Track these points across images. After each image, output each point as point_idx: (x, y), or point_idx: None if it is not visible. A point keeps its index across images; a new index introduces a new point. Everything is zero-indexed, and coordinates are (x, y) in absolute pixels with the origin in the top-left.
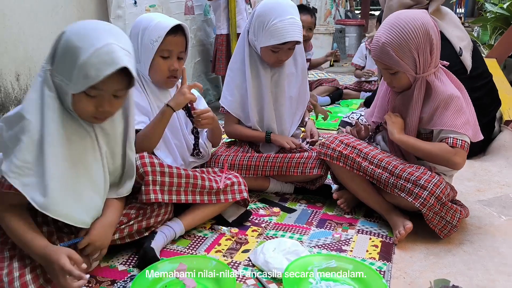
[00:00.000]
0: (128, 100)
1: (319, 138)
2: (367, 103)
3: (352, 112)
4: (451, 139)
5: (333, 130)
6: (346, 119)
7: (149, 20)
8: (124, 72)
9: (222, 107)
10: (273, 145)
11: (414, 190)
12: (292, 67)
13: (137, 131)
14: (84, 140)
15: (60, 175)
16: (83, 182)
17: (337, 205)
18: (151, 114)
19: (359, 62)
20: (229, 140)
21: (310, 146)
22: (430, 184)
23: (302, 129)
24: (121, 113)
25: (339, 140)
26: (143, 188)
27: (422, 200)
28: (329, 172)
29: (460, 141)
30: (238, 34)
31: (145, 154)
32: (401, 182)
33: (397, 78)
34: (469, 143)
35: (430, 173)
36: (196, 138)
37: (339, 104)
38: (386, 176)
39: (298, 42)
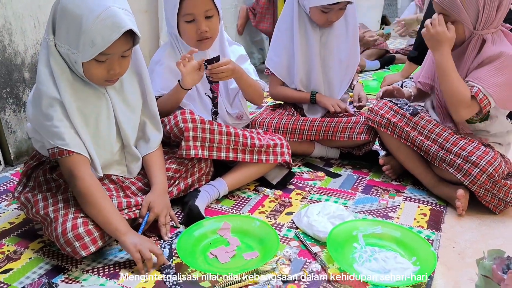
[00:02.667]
0: (136, 54)
1: (367, 103)
2: (413, 59)
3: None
4: (476, 88)
5: None
6: (390, 87)
7: None
8: (128, 32)
9: (267, 68)
10: (318, 109)
11: (464, 167)
12: (342, 28)
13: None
14: (99, 100)
15: (88, 140)
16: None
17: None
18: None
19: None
20: (274, 103)
21: (357, 111)
22: (482, 161)
23: (350, 94)
24: (131, 68)
25: (389, 107)
26: (183, 143)
27: (472, 178)
28: (377, 138)
29: (482, 96)
30: None
31: (187, 110)
32: (450, 157)
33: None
34: (492, 106)
35: (484, 148)
36: (213, 97)
37: (388, 69)
38: (435, 149)
39: (349, 2)
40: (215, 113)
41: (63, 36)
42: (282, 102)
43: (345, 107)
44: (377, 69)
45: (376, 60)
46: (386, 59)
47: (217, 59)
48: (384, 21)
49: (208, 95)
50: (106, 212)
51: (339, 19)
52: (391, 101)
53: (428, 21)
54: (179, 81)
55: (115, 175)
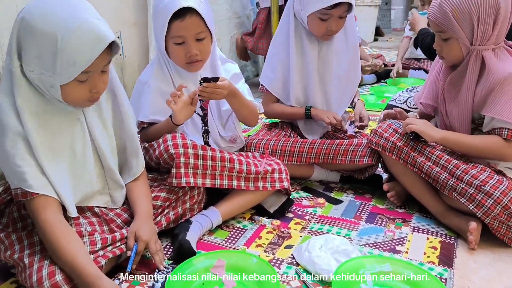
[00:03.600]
0: (110, 72)
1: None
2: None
3: (399, 94)
4: (506, 130)
5: (380, 111)
6: (393, 102)
7: (160, 1)
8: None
9: (261, 85)
10: (316, 127)
11: (477, 197)
12: (342, 42)
13: (152, 123)
14: (73, 127)
15: (60, 172)
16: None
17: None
18: None
19: (410, 34)
20: (270, 121)
21: (358, 131)
22: (496, 192)
23: (349, 109)
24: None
25: (393, 129)
26: (174, 171)
27: (485, 209)
28: (380, 161)
29: None
30: (280, 7)
31: (178, 134)
32: (462, 186)
33: (449, 46)
34: None
35: (497, 177)
36: (203, 115)
37: (385, 83)
38: (445, 177)
39: (350, 7)
40: (206, 132)
41: (33, 59)
42: (278, 121)
43: (341, 120)
44: (373, 83)
45: (373, 74)
46: (383, 73)
47: (215, 79)
48: (378, 32)
49: (198, 113)
50: (73, 259)
51: (338, 32)
52: (396, 123)
53: (404, 126)
54: (170, 116)
55: (98, 207)
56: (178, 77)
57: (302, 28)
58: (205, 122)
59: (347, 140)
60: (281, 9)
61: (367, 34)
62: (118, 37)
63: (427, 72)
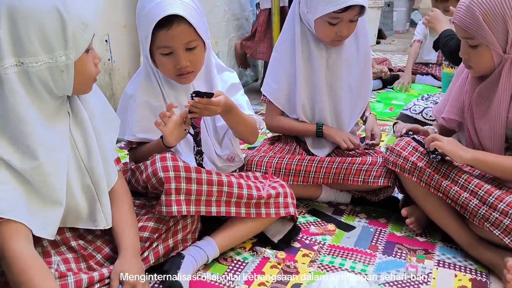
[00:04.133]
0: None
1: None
2: (436, 47)
3: (414, 103)
4: None
5: (388, 121)
6: (407, 112)
7: (143, 6)
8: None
9: (264, 96)
10: (325, 143)
11: None
12: (352, 49)
13: (142, 143)
14: (63, 136)
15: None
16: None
17: (405, 222)
18: (163, 108)
19: (421, 37)
20: (272, 135)
21: (370, 149)
22: None
23: (359, 120)
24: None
25: (413, 147)
26: (163, 198)
27: None
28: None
29: None
30: (282, 8)
31: (168, 155)
32: (495, 215)
33: (478, 54)
34: None
35: None
36: (195, 133)
37: (392, 89)
38: (475, 204)
39: (362, 9)
40: (198, 153)
41: (36, 46)
42: (281, 134)
43: (359, 144)
44: (379, 89)
45: (378, 79)
46: (389, 78)
47: (209, 95)
48: (380, 35)
49: (188, 132)
50: None
51: (348, 37)
52: (415, 139)
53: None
54: (161, 137)
55: (76, 242)
56: (169, 89)
57: (308, 33)
58: (197, 141)
59: (360, 158)
60: (283, 11)
61: (370, 37)
62: (106, 41)
63: (435, 77)
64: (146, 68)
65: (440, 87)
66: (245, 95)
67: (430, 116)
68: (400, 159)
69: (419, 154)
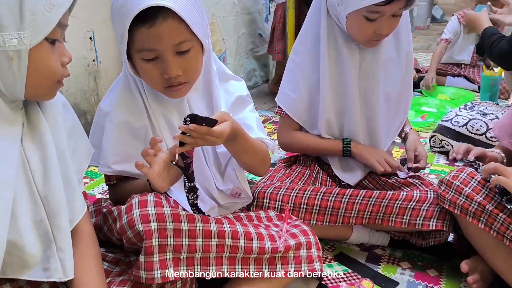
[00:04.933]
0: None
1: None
2: (481, 51)
3: (456, 113)
4: None
5: (422, 132)
6: (448, 124)
7: None
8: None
9: (279, 107)
10: (355, 166)
11: None
12: (391, 50)
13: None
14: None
15: None
16: None
17: (464, 275)
18: (148, 131)
19: (449, 36)
20: (289, 155)
21: (413, 173)
22: None
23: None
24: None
25: (477, 181)
26: (143, 260)
27: None
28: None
29: None
30: (299, 1)
31: (149, 197)
32: None
33: None
34: None
35: None
36: (185, 165)
37: (420, 92)
38: None
39: (409, 0)
40: (191, 190)
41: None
42: (298, 154)
43: (398, 166)
44: None
45: None
46: (417, 81)
47: (210, 122)
48: None
49: (174, 163)
50: None
51: (388, 36)
52: (478, 170)
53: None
54: (148, 181)
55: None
56: (156, 104)
57: (338, 31)
58: (188, 175)
59: (404, 193)
60: (300, 4)
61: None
62: (90, 38)
63: (468, 79)
64: (126, 76)
65: (475, 91)
66: (254, 111)
67: (477, 129)
68: (460, 198)
69: (486, 192)
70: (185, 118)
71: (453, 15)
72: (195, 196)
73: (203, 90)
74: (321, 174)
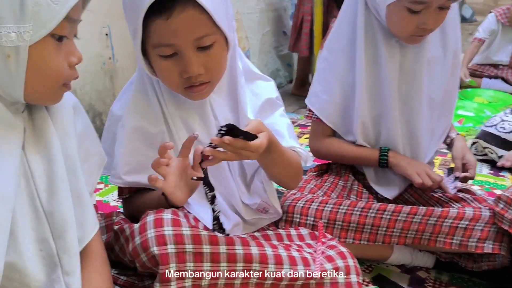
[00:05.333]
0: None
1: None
2: None
3: (502, 118)
4: None
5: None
6: (491, 130)
7: None
8: None
9: (309, 111)
10: (394, 178)
11: None
12: (437, 47)
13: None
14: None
15: None
16: None
17: None
18: (165, 138)
19: (481, 35)
20: (320, 164)
21: (462, 186)
22: None
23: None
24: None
25: None
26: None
27: None
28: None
29: None
30: None
31: (165, 215)
32: None
33: None
34: None
35: None
36: (205, 176)
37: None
38: None
39: None
40: (213, 201)
41: None
42: (330, 162)
43: (440, 180)
44: None
45: None
46: None
47: (248, 136)
48: None
49: (195, 179)
50: None
51: (433, 32)
52: None
53: None
54: (163, 195)
55: None
56: (174, 108)
57: (376, 25)
58: (208, 183)
59: (454, 210)
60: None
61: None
62: (106, 34)
63: (506, 81)
64: (140, 76)
65: None
66: (285, 116)
67: None
68: None
69: None
70: (220, 128)
71: (491, 12)
72: (214, 204)
73: (227, 91)
74: (356, 186)
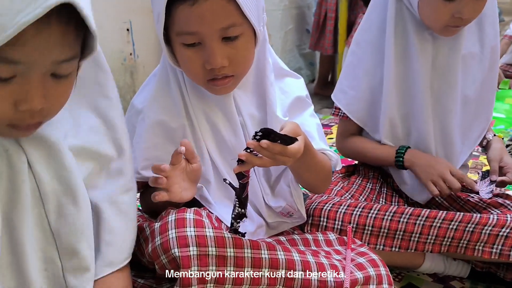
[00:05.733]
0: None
1: None
2: None
3: None
4: None
5: None
6: None
7: None
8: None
9: (336, 108)
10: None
11: None
12: (474, 43)
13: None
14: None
15: None
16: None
17: None
18: (186, 133)
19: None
20: (347, 165)
21: (500, 192)
22: None
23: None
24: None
25: None
26: None
27: None
28: None
29: None
30: None
31: (188, 215)
32: None
33: None
34: None
35: None
36: (242, 185)
37: None
38: None
39: None
40: (238, 217)
41: None
42: (357, 163)
43: (471, 182)
44: None
45: None
46: None
47: (287, 140)
48: None
49: (228, 183)
50: None
51: (469, 23)
52: None
53: None
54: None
55: None
56: (197, 101)
57: (408, 16)
58: (241, 199)
59: (494, 217)
60: None
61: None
62: (127, 30)
63: None
64: (164, 68)
65: None
66: (315, 116)
67: None
68: None
69: None
70: (256, 132)
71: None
72: (238, 222)
73: (253, 87)
74: (385, 189)
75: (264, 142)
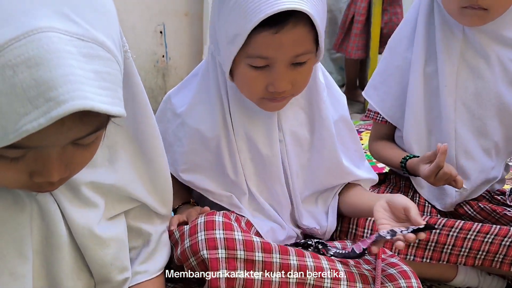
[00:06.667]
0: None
1: None
2: None
3: None
4: None
5: None
6: None
7: None
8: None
9: (368, 110)
10: (446, 187)
11: None
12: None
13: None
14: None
15: None
16: None
17: None
18: (220, 144)
19: None
20: (377, 172)
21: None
22: None
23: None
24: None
25: None
26: None
27: None
28: None
29: None
30: None
31: (217, 218)
32: None
33: None
34: None
35: None
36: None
37: None
38: None
39: None
40: (313, 247)
41: None
42: (387, 171)
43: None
44: None
45: None
46: None
47: (428, 227)
48: None
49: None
50: None
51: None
52: None
53: None
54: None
55: None
56: (240, 115)
57: (438, 11)
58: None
59: None
60: None
61: None
62: (161, 32)
63: None
64: (207, 73)
65: None
66: (357, 137)
67: None
68: None
69: None
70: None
71: None
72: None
73: (302, 103)
74: (417, 198)
75: (410, 235)
